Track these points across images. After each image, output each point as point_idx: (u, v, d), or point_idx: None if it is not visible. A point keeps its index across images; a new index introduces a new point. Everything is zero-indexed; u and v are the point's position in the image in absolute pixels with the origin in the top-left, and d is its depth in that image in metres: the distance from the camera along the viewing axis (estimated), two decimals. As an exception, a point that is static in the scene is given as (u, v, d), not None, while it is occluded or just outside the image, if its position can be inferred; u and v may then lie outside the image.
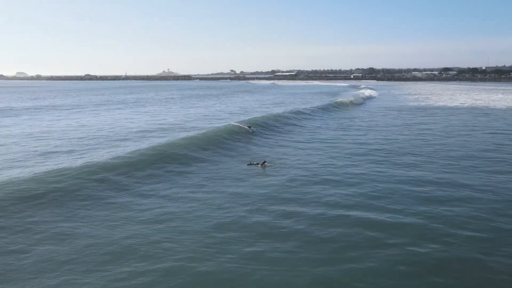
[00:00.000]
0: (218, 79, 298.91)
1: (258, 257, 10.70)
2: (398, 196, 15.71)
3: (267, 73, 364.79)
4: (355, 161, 22.22)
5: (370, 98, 75.22)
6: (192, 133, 29.05)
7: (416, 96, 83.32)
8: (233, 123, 33.11)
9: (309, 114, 45.23)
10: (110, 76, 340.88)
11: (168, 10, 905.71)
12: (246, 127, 31.86)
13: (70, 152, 23.89)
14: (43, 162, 21.07)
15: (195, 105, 63.43)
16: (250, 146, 27.20)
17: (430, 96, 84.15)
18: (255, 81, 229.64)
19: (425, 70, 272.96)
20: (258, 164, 21.68)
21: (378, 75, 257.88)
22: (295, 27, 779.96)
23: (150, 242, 11.42)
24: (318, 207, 14.40)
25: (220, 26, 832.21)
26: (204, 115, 46.04)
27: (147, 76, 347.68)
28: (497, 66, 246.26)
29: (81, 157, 22.09)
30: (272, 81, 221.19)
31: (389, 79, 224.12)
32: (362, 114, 48.74)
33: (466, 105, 60.62)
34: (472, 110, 51.86)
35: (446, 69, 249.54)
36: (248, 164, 21.88)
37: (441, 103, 64.23)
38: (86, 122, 39.09)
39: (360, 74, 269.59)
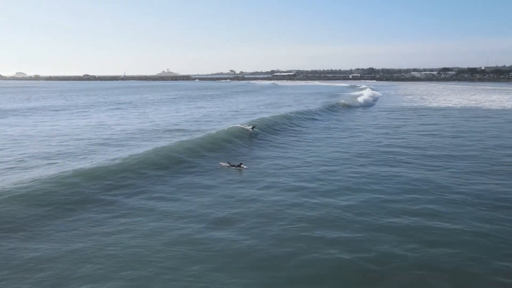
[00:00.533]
0: (217, 79, 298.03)
1: (206, 276, 9.98)
2: (372, 206, 14.97)
3: (266, 73, 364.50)
4: (333, 164, 21.59)
5: (369, 99, 73.71)
6: (183, 138, 28.27)
7: (411, 97, 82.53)
8: (234, 125, 32.59)
9: (304, 115, 44.53)
10: (109, 76, 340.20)
11: (168, 10, 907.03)
12: (248, 128, 31.40)
13: (45, 158, 23.11)
14: (12, 169, 20.44)
15: (189, 106, 62.57)
16: (236, 147, 26.63)
17: (425, 96, 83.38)
18: (256, 82, 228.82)
19: (424, 70, 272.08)
20: (233, 166, 21.12)
21: (377, 75, 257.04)
22: (295, 27, 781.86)
23: (92, 258, 10.70)
24: (281, 220, 13.61)
25: (220, 26, 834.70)
26: (195, 117, 45.31)
27: (146, 76, 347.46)
28: (496, 66, 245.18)
29: (55, 163, 21.47)
30: (272, 81, 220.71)
31: (388, 79, 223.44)
32: (358, 116, 48.05)
33: (459, 106, 59.96)
34: (465, 112, 51.14)
35: (445, 69, 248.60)
36: (222, 164, 21.40)
37: (435, 104, 63.53)
38: (71, 124, 38.41)
39: (359, 75, 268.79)
